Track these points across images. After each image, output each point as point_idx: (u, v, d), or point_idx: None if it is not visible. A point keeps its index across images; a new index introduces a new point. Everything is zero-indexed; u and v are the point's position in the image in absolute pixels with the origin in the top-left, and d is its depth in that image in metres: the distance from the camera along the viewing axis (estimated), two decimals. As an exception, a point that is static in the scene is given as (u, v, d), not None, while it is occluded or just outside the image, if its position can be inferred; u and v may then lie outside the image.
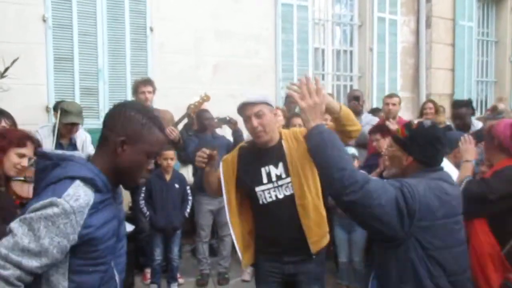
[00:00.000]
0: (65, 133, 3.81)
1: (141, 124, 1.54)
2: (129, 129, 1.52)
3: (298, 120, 4.25)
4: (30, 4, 4.95)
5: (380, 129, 4.16)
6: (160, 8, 5.69)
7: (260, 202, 2.44)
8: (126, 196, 4.49)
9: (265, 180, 2.42)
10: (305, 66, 6.80)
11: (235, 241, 2.48)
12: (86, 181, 1.45)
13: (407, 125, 1.99)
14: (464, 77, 8.02)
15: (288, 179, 2.39)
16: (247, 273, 4.52)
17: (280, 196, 2.40)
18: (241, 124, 3.12)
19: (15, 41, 4.77)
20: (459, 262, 1.84)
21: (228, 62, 6.07)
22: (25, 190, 2.56)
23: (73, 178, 1.43)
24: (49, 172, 1.48)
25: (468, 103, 5.13)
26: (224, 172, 2.51)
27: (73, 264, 1.43)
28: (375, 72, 7.29)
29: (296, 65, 6.71)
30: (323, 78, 7.19)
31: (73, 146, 3.87)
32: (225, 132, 4.90)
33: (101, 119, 5.42)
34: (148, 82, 4.41)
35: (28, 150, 2.40)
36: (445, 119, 6.06)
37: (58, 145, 3.81)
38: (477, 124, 4.97)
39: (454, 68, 7.91)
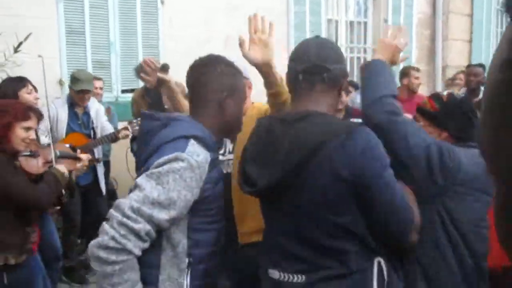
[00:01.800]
0: (78, 101, 3.85)
1: (234, 75, 1.60)
2: (227, 83, 1.57)
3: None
4: (41, -23, 4.93)
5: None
6: (170, -20, 5.63)
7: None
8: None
9: (222, 150, 2.11)
10: (318, 38, 6.70)
11: None
12: (199, 139, 1.47)
13: (436, 97, 1.82)
14: (482, 49, 7.82)
15: (231, 156, 2.08)
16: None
17: (224, 171, 2.00)
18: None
19: (27, 16, 4.78)
20: (485, 246, 1.62)
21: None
22: (33, 165, 2.51)
23: (187, 137, 1.46)
24: (157, 133, 1.51)
25: (484, 67, 5.13)
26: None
27: (191, 222, 1.46)
28: (390, 44, 7.14)
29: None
30: (336, 51, 7.08)
31: (87, 115, 3.92)
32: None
33: (114, 92, 5.51)
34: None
35: (33, 122, 2.35)
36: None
37: (73, 114, 3.85)
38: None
39: (471, 39, 7.72)
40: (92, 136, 3.88)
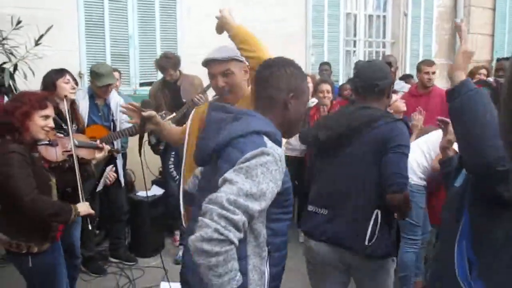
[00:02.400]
0: (101, 94, 3.89)
1: (301, 78, 1.70)
2: (294, 84, 1.66)
3: (325, 87, 4.20)
4: (61, -30, 4.98)
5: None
6: (189, -28, 5.63)
7: None
8: (156, 160, 4.60)
9: None
10: (336, 32, 6.65)
11: None
12: (270, 136, 1.55)
13: (485, 82, 1.83)
14: (505, 43, 7.66)
15: None
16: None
17: None
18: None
19: (48, 8, 4.85)
20: None
21: (257, 28, 5.98)
22: (51, 154, 2.57)
23: (259, 133, 1.52)
24: (227, 125, 1.56)
25: None
26: (192, 121, 2.29)
27: (270, 213, 1.52)
28: (409, 38, 7.05)
29: (327, 31, 6.57)
30: (354, 45, 7.02)
31: (107, 107, 3.95)
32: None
33: (132, 85, 5.56)
34: (168, 65, 4.36)
35: (50, 111, 2.39)
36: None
37: (94, 106, 3.89)
38: None
39: (494, 33, 7.56)
40: (111, 128, 3.91)
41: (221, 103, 1.69)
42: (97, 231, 4.62)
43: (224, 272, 1.34)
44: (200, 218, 1.37)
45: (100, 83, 3.78)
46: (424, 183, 3.35)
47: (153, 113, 2.20)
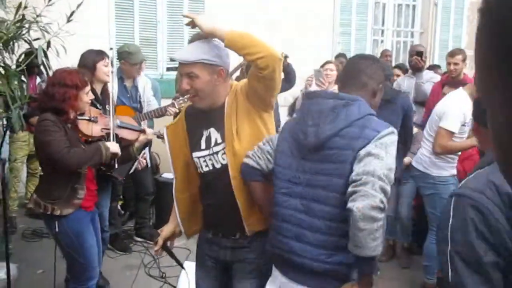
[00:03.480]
0: (134, 72, 3.97)
1: (384, 71, 1.92)
2: (382, 77, 1.89)
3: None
4: (93, -46, 5.05)
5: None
6: (217, -41, 5.64)
7: (199, 171, 2.06)
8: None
9: (203, 145, 2.01)
10: (364, 21, 6.58)
11: (178, 219, 2.15)
12: (376, 117, 1.77)
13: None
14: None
15: (223, 145, 1.96)
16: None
17: (217, 166, 1.98)
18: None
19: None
20: None
21: (284, 16, 5.97)
22: (90, 128, 2.70)
23: (371, 115, 1.74)
24: (341, 110, 1.71)
25: None
26: (171, 141, 2.10)
27: None
28: (438, 28, 6.91)
29: (355, 20, 6.51)
30: (382, 34, 6.93)
31: (135, 88, 4.02)
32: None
33: (159, 70, 5.62)
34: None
35: (88, 86, 2.62)
36: None
37: (122, 87, 3.97)
38: None
39: (527, 25, 7.35)
40: (139, 109, 3.98)
41: (330, 92, 1.91)
42: (123, 212, 4.73)
43: (379, 236, 1.55)
44: (362, 188, 1.54)
45: (133, 61, 3.87)
46: (446, 173, 3.35)
47: (161, 238, 2.22)
